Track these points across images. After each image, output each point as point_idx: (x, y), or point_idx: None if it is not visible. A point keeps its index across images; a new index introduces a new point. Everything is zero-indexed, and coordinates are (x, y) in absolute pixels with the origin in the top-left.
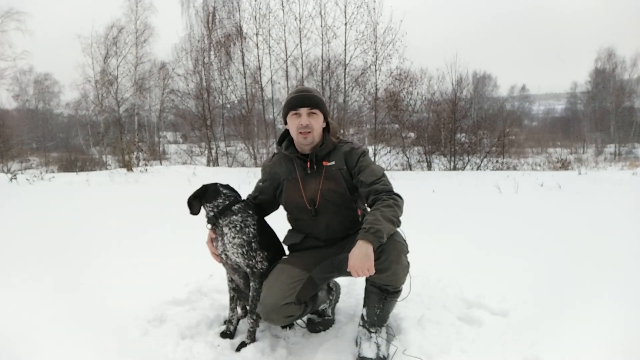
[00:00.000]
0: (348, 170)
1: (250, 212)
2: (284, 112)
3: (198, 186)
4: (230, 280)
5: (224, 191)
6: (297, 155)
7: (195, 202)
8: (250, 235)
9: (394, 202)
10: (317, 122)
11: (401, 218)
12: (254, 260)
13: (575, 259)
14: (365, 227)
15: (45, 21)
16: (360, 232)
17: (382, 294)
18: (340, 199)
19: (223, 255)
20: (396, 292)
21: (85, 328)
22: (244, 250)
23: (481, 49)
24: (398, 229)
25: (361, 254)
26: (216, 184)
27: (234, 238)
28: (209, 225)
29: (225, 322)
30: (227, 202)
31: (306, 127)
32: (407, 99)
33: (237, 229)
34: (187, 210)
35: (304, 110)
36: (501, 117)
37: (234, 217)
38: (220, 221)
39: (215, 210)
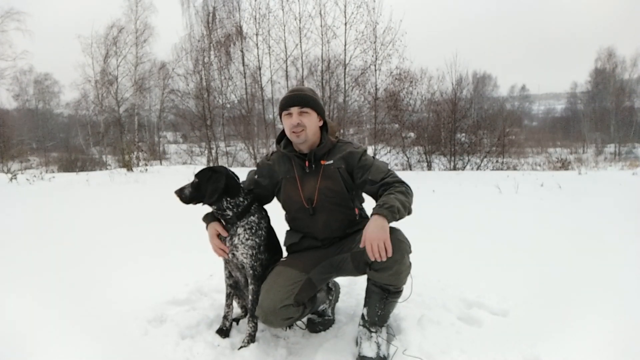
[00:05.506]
0: (348, 170)
1: (264, 213)
2: (278, 113)
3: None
4: (228, 277)
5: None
6: (296, 154)
7: (218, 196)
8: (262, 237)
9: (406, 189)
10: (310, 120)
11: (412, 207)
12: (258, 263)
13: (575, 259)
14: (379, 204)
15: (45, 21)
16: (374, 208)
17: (384, 293)
18: (337, 197)
19: (230, 254)
20: (397, 293)
21: (86, 328)
22: (253, 252)
23: (481, 49)
24: (399, 230)
25: (377, 226)
26: (229, 173)
27: (247, 239)
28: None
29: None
30: (247, 202)
31: (297, 126)
32: (407, 99)
33: (252, 230)
34: (192, 194)
35: (294, 110)
36: (501, 117)
37: (252, 217)
38: (238, 221)
39: (236, 209)
